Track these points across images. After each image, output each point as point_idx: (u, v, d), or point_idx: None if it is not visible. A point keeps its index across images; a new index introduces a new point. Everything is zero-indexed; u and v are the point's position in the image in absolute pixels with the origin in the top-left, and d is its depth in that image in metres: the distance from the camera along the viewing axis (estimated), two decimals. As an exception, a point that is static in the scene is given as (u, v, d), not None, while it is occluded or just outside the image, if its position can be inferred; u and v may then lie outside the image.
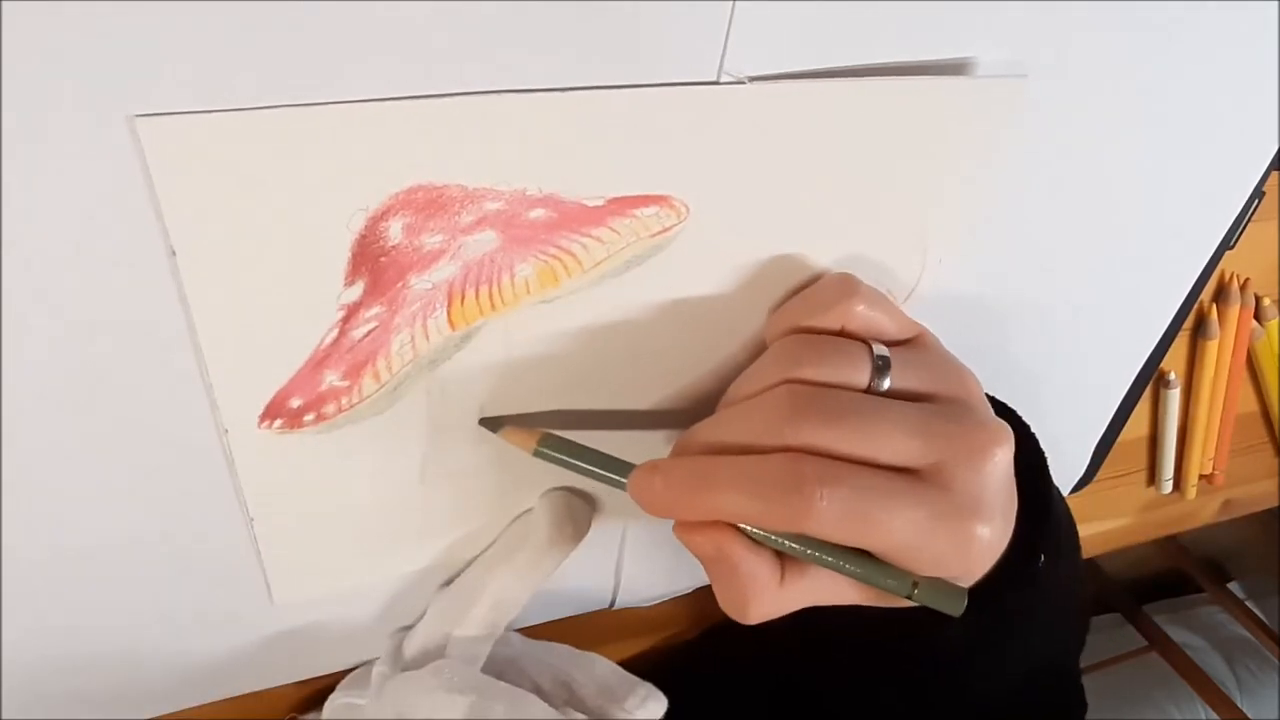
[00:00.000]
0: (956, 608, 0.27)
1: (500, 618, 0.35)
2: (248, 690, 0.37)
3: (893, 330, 0.29)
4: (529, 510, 0.35)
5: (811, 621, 0.29)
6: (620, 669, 0.37)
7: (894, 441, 0.26)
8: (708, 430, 0.28)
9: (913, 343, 0.30)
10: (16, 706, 0.32)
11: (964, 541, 0.26)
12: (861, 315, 0.28)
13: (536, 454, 0.29)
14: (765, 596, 0.27)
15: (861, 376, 0.27)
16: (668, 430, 0.35)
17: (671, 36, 0.24)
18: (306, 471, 0.29)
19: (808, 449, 0.25)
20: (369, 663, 0.37)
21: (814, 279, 0.31)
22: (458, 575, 0.36)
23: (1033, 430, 0.34)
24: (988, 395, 0.31)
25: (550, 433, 0.30)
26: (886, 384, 0.27)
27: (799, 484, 0.24)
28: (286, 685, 0.37)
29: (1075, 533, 0.35)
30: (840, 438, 0.25)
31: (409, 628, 0.37)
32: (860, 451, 0.26)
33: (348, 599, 0.35)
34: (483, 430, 0.31)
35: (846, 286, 0.29)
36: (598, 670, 0.37)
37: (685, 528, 0.27)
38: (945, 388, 0.28)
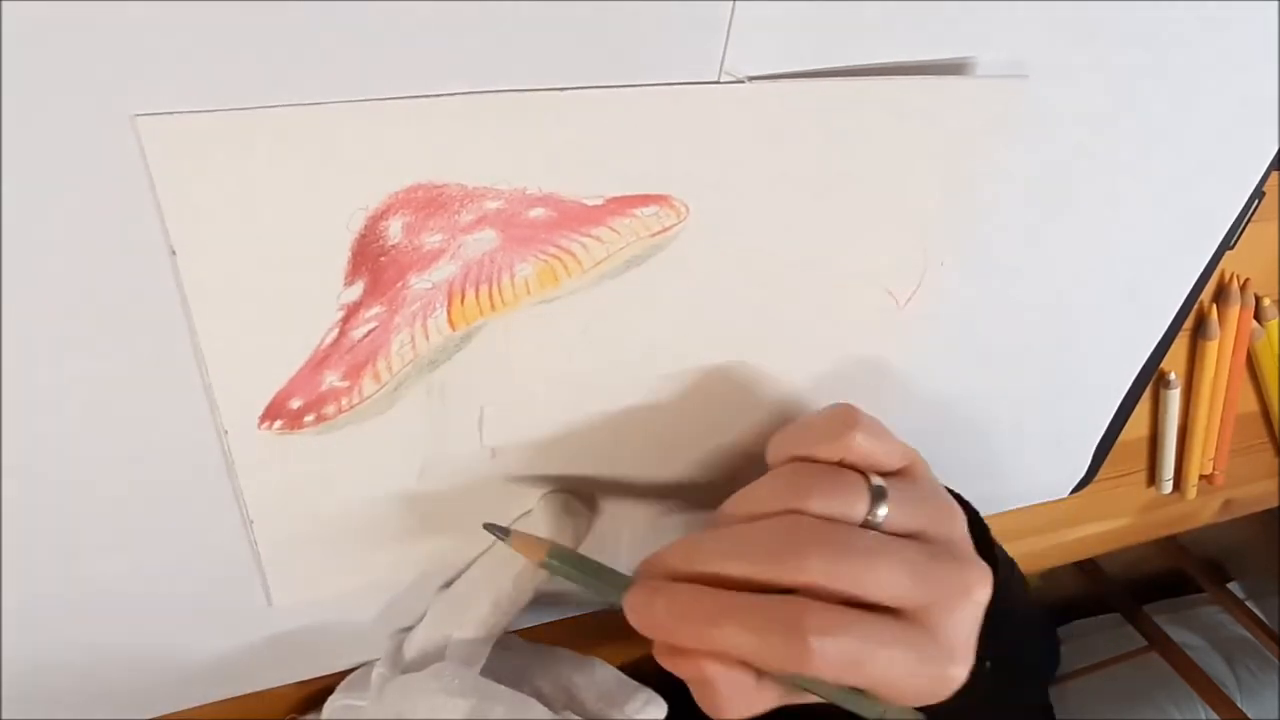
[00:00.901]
0: None
1: (500, 620, 0.35)
2: (248, 690, 0.37)
3: (888, 460, 0.30)
4: (529, 512, 0.35)
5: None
6: (620, 674, 0.38)
7: (889, 581, 0.27)
8: (710, 552, 0.28)
9: (905, 472, 0.31)
10: (17, 706, 0.32)
11: (943, 682, 0.28)
12: (861, 447, 0.29)
13: (543, 565, 0.31)
14: (741, 702, 0.28)
15: (860, 509, 0.28)
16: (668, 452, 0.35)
17: (672, 36, 0.24)
18: (306, 472, 0.29)
19: (806, 585, 0.27)
20: (369, 664, 0.37)
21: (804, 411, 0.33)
22: (457, 577, 0.36)
23: (977, 511, 0.36)
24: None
25: (556, 544, 0.31)
26: (882, 515, 0.28)
27: (802, 632, 0.26)
28: (286, 685, 0.37)
29: (1026, 595, 0.38)
30: (839, 574, 0.27)
31: (409, 629, 0.37)
32: (856, 589, 0.27)
33: (347, 600, 0.35)
34: (482, 430, 0.31)
35: (849, 418, 0.30)
36: (598, 675, 0.37)
37: (672, 653, 0.28)
38: (936, 526, 0.29)
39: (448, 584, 0.36)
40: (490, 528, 0.31)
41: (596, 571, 0.30)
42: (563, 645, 0.42)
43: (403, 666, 0.35)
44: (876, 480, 0.29)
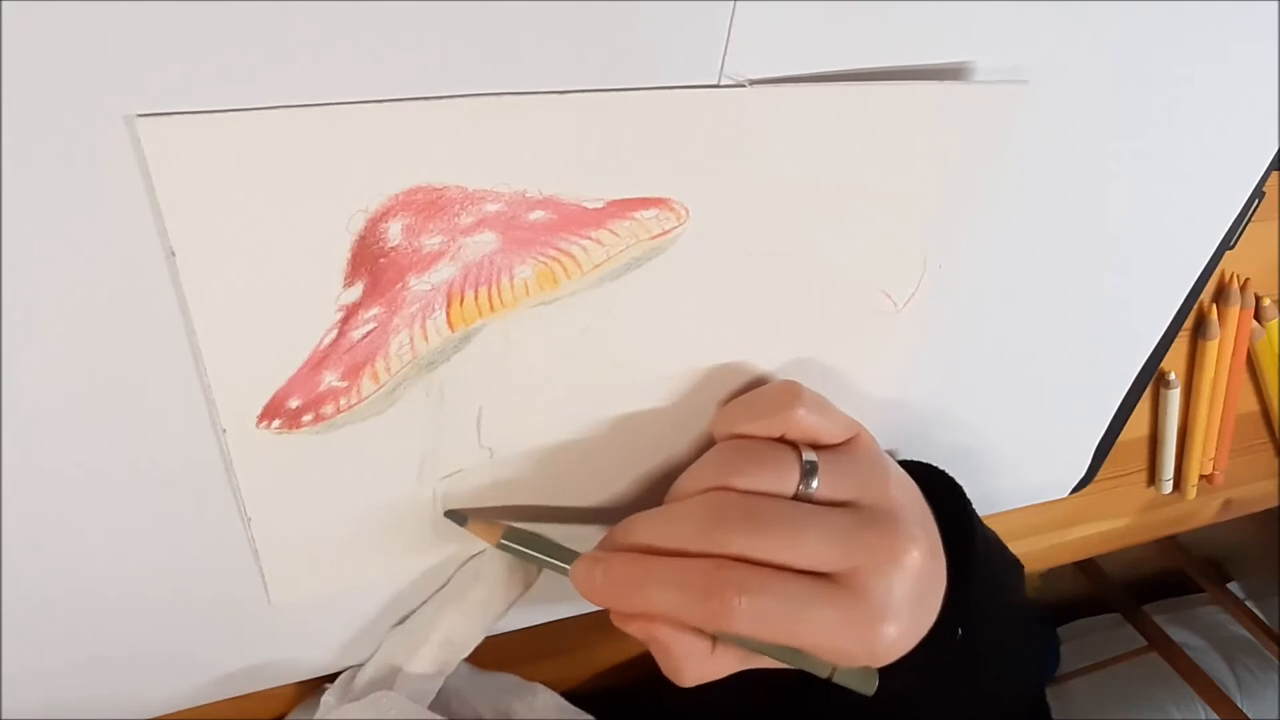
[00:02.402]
0: (869, 688, 0.31)
1: (451, 657, 0.35)
2: (247, 690, 0.37)
3: (830, 434, 0.31)
4: (482, 551, 0.35)
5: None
6: (563, 701, 0.38)
7: (813, 549, 0.28)
8: (645, 528, 0.30)
9: (848, 445, 0.32)
10: (16, 706, 0.32)
11: (871, 640, 0.29)
12: (801, 422, 0.31)
13: (500, 546, 0.33)
14: (697, 666, 0.30)
15: (789, 483, 0.30)
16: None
17: (672, 39, 0.24)
18: (305, 472, 0.29)
19: (733, 556, 0.28)
20: (322, 690, 0.37)
21: (757, 382, 0.34)
22: (411, 614, 0.37)
23: (959, 487, 0.37)
24: (913, 461, 0.35)
25: (511, 526, 0.33)
26: (814, 487, 0.30)
27: (720, 590, 0.27)
28: (286, 685, 0.37)
29: (1012, 577, 0.38)
30: (762, 545, 0.28)
31: (362, 665, 0.37)
32: (781, 558, 0.28)
33: (347, 599, 0.35)
34: (480, 430, 0.31)
35: (788, 395, 0.31)
36: (538, 702, 0.38)
37: (620, 616, 0.31)
38: (868, 493, 0.30)
39: (401, 620, 0.37)
40: (450, 514, 0.33)
41: (549, 550, 0.32)
42: (561, 643, 0.42)
43: (351, 697, 0.35)
44: (809, 455, 0.30)
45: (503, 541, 0.32)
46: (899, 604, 0.29)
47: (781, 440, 0.31)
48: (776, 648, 0.30)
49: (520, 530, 0.33)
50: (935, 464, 0.38)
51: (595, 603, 0.30)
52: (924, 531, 0.30)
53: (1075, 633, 1.54)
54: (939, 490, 0.35)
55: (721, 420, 0.33)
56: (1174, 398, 0.55)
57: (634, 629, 0.30)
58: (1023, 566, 0.39)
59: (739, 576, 0.28)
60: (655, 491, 0.37)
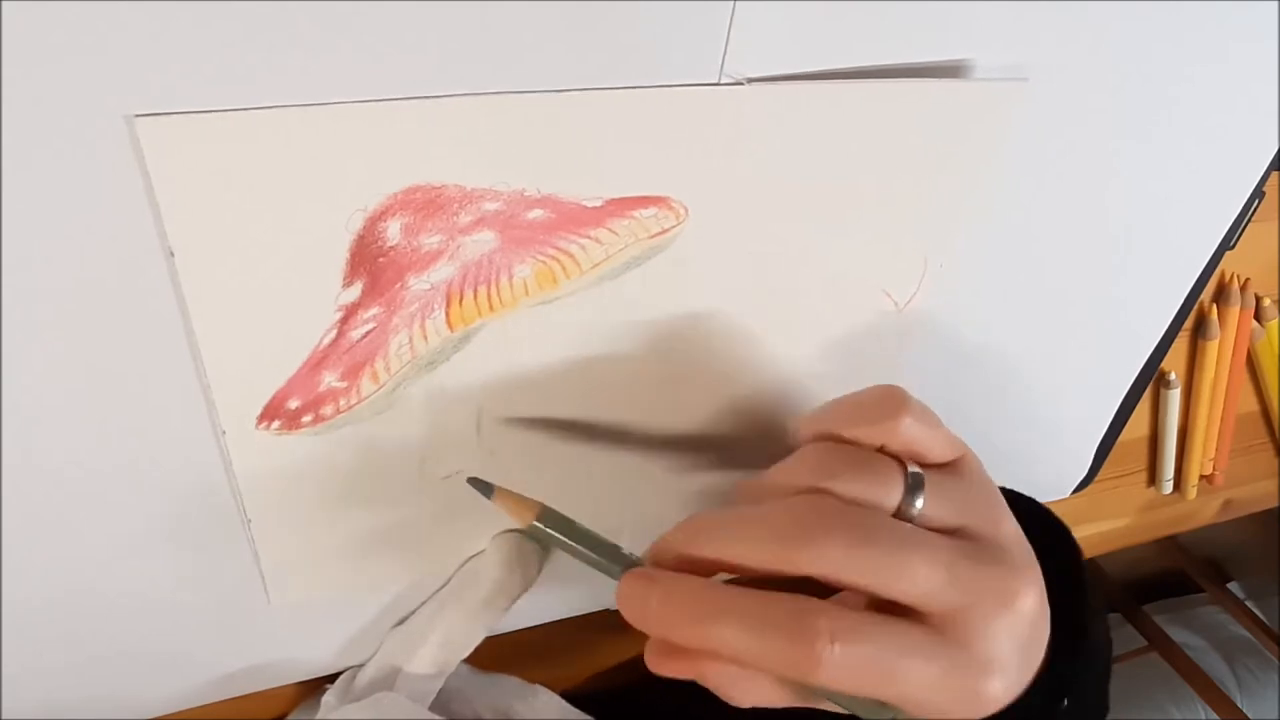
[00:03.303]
0: None
1: (450, 657, 0.35)
2: (247, 690, 0.37)
3: (936, 452, 0.27)
4: (481, 551, 0.35)
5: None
6: (564, 703, 0.37)
7: (920, 578, 0.24)
8: (715, 535, 0.25)
9: (953, 466, 0.28)
10: (16, 706, 0.32)
11: (974, 697, 0.25)
12: (908, 433, 0.27)
13: (532, 529, 0.28)
14: (751, 694, 0.26)
15: (894, 497, 0.25)
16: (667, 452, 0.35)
17: (672, 38, 0.24)
18: (304, 473, 0.29)
19: (827, 579, 0.24)
20: (322, 690, 0.37)
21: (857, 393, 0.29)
22: (411, 614, 0.36)
23: (1075, 540, 0.32)
24: (1036, 502, 0.30)
25: (547, 506, 0.28)
26: (918, 507, 0.25)
27: (809, 636, 0.23)
28: (286, 685, 0.37)
29: (1108, 656, 0.33)
30: (864, 567, 0.24)
31: (363, 665, 0.37)
32: (881, 586, 0.24)
33: (346, 600, 0.35)
34: (480, 431, 0.31)
35: (896, 401, 0.27)
36: (539, 702, 0.37)
37: (667, 653, 0.25)
38: (978, 522, 0.26)
39: (401, 621, 0.37)
40: (474, 483, 0.28)
41: (589, 541, 0.27)
42: (561, 643, 0.42)
43: (352, 697, 0.35)
44: (914, 468, 0.26)
45: (535, 525, 0.28)
46: (1007, 656, 0.25)
47: (881, 451, 0.27)
48: (857, 700, 0.25)
49: (556, 513, 0.28)
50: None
51: (641, 627, 0.25)
52: (1037, 574, 0.26)
53: (1075, 633, 1.54)
54: (1041, 528, 0.30)
55: (816, 421, 0.28)
56: (1174, 398, 0.55)
57: (681, 668, 0.25)
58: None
59: (830, 620, 0.23)
60: (658, 491, 0.37)
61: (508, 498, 0.28)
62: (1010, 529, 0.27)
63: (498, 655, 0.39)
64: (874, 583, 0.24)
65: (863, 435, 0.27)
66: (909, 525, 0.25)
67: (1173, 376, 0.55)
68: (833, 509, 0.25)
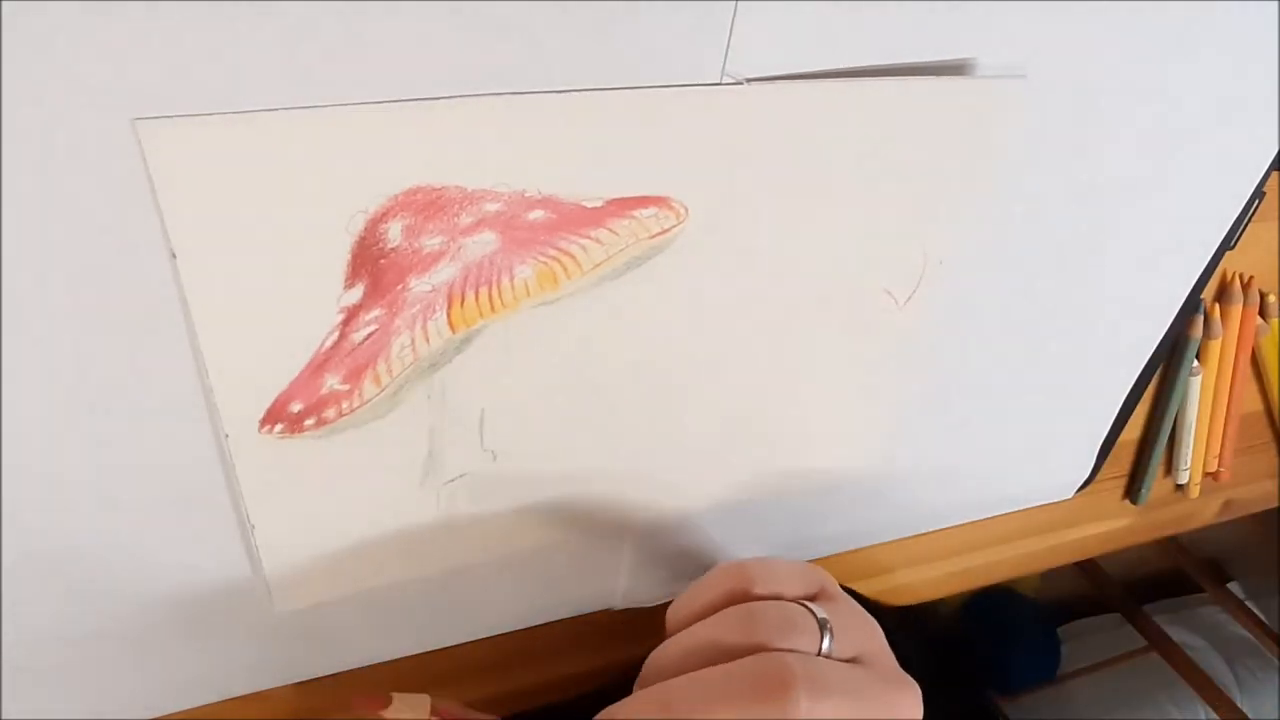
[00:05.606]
0: None
1: None
2: (248, 690, 0.37)
3: (801, 587, 0.30)
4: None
5: None
6: None
7: (848, 714, 0.26)
8: (688, 697, 0.27)
9: (821, 595, 0.31)
10: (17, 706, 0.32)
11: None
12: (766, 588, 0.29)
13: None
14: None
15: (813, 643, 0.28)
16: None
17: (674, 37, 0.24)
18: (307, 476, 0.29)
19: None
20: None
21: None
22: None
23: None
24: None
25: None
26: (827, 646, 0.28)
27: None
28: (286, 685, 0.37)
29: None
30: (823, 713, 0.26)
31: None
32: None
33: (349, 602, 0.35)
34: (483, 433, 0.31)
35: (737, 575, 0.30)
36: None
37: None
38: (868, 646, 0.29)
39: None
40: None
41: None
42: (559, 645, 0.42)
43: None
44: (820, 612, 0.28)
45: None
46: None
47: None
48: None
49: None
50: (938, 468, 0.38)
51: None
52: (912, 685, 0.29)
53: (1075, 633, 1.54)
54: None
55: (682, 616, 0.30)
56: (1195, 384, 0.55)
57: None
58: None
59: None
60: (661, 493, 0.37)
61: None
62: (882, 642, 0.30)
63: (496, 654, 0.39)
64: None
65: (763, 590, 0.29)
66: (835, 664, 0.27)
67: (1195, 364, 0.54)
68: (792, 663, 0.26)
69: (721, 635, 0.28)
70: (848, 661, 0.28)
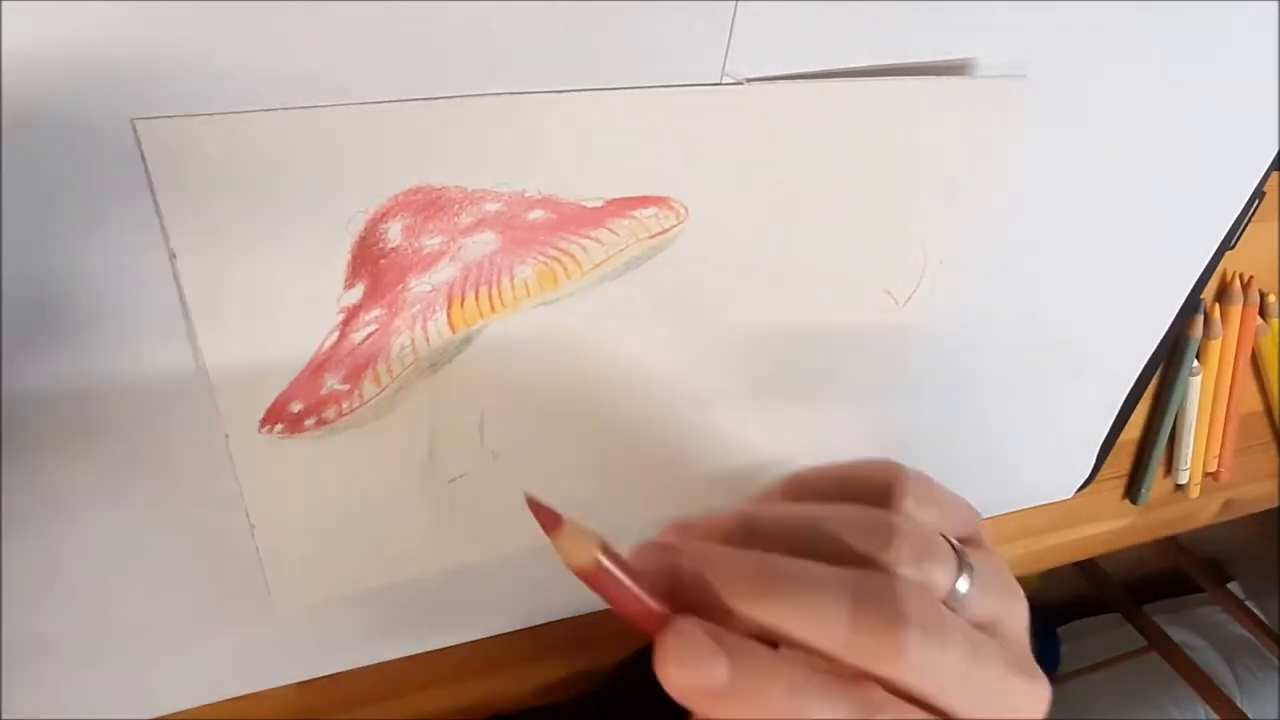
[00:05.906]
0: None
1: None
2: (248, 690, 0.37)
3: (958, 525, 0.25)
4: None
5: None
6: None
7: (976, 694, 0.22)
8: (784, 598, 0.21)
9: (971, 540, 0.25)
10: (17, 706, 0.32)
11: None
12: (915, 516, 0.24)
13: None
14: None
15: (945, 582, 0.22)
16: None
17: (675, 38, 0.24)
18: (308, 476, 0.29)
19: (889, 682, 0.21)
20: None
21: None
22: None
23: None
24: None
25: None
26: (963, 592, 0.22)
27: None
28: (286, 685, 0.37)
29: None
30: (931, 674, 0.21)
31: None
32: (940, 697, 0.21)
33: (349, 601, 0.35)
34: (483, 432, 0.31)
35: (895, 471, 0.25)
36: None
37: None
38: (1009, 615, 0.24)
39: None
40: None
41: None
42: (559, 645, 0.42)
43: None
44: (966, 556, 0.23)
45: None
46: None
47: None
48: None
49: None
50: (940, 467, 0.34)
51: (686, 702, 0.21)
52: (1045, 685, 0.24)
53: (1075, 633, 1.54)
54: None
55: (806, 484, 0.25)
56: (1196, 384, 0.55)
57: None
58: None
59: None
60: (662, 493, 0.37)
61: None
62: (1022, 620, 0.24)
63: (491, 656, 0.39)
64: (935, 695, 0.21)
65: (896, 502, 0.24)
66: (966, 623, 0.22)
67: (1196, 364, 0.54)
68: (912, 598, 0.21)
69: (847, 536, 0.23)
70: (980, 626, 0.23)
